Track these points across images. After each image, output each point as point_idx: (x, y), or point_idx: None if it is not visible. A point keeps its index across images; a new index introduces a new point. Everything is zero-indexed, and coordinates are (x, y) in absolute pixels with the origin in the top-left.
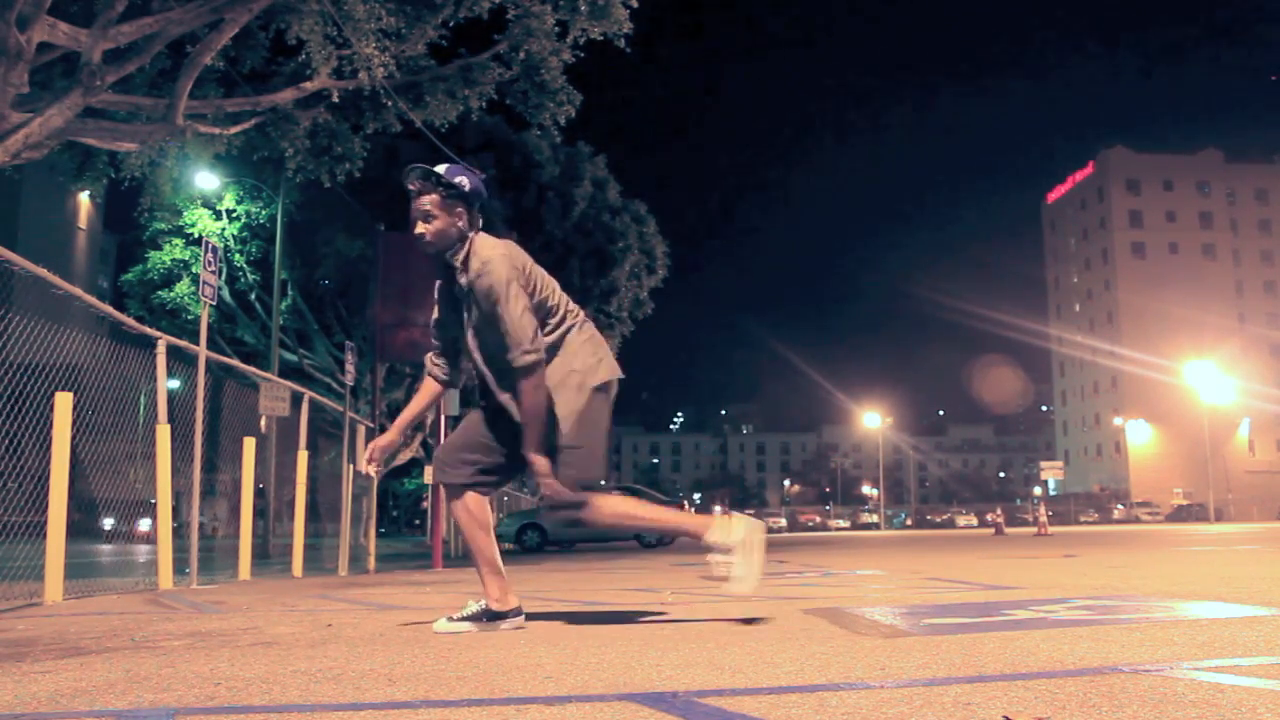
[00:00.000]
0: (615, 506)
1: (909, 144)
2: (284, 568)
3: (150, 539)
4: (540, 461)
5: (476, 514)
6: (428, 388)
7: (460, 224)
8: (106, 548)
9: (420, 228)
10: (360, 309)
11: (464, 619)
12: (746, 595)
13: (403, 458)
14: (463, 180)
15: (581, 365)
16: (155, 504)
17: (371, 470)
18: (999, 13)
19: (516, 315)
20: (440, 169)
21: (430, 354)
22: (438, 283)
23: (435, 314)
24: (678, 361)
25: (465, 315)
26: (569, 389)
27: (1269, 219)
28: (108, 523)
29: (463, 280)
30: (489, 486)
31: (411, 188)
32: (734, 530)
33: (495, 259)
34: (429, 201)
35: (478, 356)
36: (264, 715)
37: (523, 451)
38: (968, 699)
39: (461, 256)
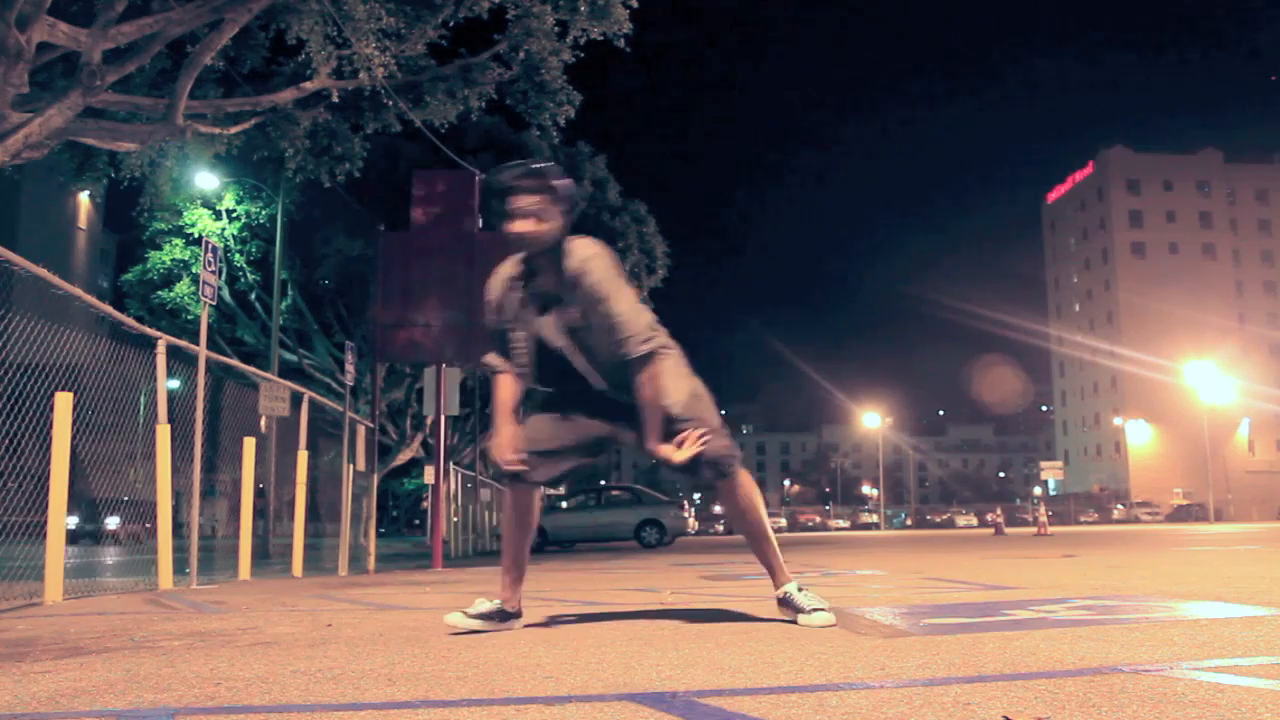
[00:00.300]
0: (751, 485)
1: (909, 144)
2: (284, 568)
3: (119, 539)
4: (666, 449)
5: (529, 516)
6: (508, 382)
7: (560, 225)
8: (70, 549)
9: (523, 226)
10: (360, 309)
11: (479, 616)
12: (830, 624)
13: (403, 457)
14: (567, 183)
15: (675, 350)
16: (127, 500)
17: (519, 465)
18: (999, 12)
19: (629, 307)
20: (546, 167)
21: (495, 355)
22: (502, 284)
23: (500, 316)
24: None
25: (555, 316)
26: (669, 371)
27: (1269, 219)
28: (72, 521)
29: (549, 281)
30: (558, 482)
31: (518, 185)
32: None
33: (594, 257)
34: (537, 201)
35: (579, 358)
36: (264, 715)
37: (646, 444)
38: (967, 699)
39: (553, 258)
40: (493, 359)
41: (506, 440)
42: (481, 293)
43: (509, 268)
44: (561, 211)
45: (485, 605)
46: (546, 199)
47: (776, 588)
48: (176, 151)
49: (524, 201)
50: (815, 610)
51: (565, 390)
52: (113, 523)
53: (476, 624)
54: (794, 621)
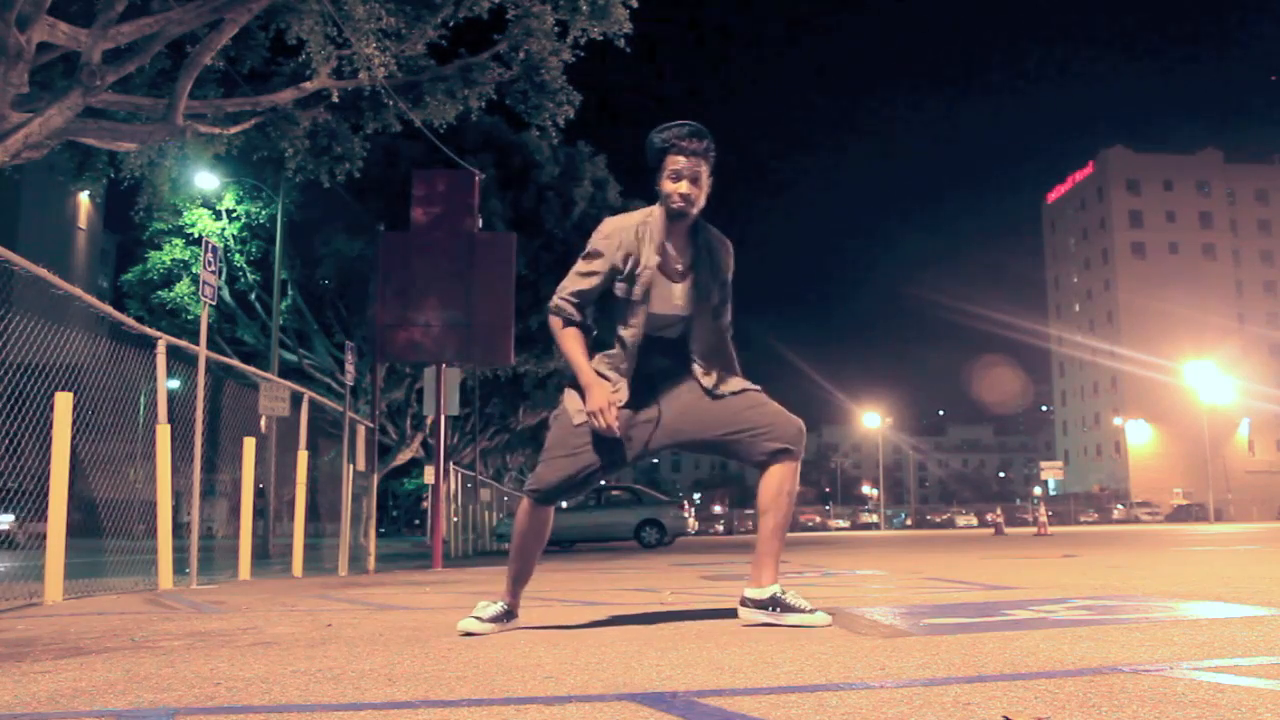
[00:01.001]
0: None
1: (909, 144)
2: (284, 568)
3: (11, 541)
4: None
5: (547, 529)
6: (581, 337)
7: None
8: None
9: (692, 190)
10: (360, 309)
11: (491, 619)
12: (828, 624)
13: (403, 457)
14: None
15: None
16: (36, 492)
17: (618, 429)
18: (999, 13)
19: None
20: (707, 131)
21: (569, 302)
22: (634, 231)
23: (618, 254)
24: None
25: (688, 285)
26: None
27: (1269, 219)
28: None
29: (683, 250)
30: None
31: (684, 145)
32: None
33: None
34: (704, 166)
35: (699, 330)
36: (264, 715)
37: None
38: (967, 699)
39: (688, 228)
40: (567, 305)
41: (605, 398)
42: (480, 292)
43: (644, 217)
44: (707, 180)
45: (493, 608)
46: (706, 164)
47: (763, 585)
48: (176, 151)
49: (687, 163)
50: (813, 611)
51: (648, 370)
52: (4, 521)
53: (490, 627)
54: (775, 624)
